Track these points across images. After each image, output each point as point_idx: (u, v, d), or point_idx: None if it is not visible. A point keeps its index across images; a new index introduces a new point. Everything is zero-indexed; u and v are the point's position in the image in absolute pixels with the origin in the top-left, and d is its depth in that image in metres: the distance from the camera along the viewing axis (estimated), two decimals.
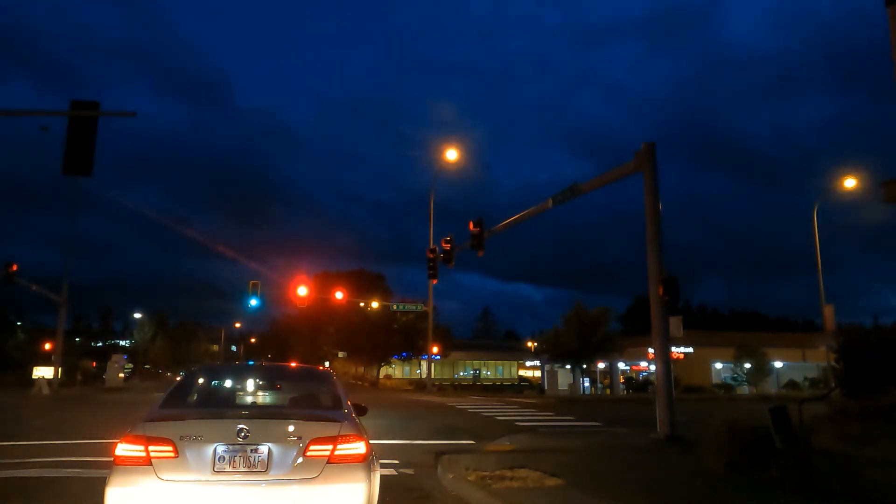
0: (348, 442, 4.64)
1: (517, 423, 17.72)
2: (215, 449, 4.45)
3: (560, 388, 50.06)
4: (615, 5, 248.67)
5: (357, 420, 5.19)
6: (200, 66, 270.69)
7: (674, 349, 17.56)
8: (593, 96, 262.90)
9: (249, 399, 6.47)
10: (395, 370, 75.87)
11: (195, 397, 5.74)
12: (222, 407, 5.64)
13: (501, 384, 71.48)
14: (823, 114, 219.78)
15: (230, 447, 4.47)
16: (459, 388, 54.59)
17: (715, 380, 49.49)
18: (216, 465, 4.42)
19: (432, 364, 48.73)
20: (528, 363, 78.81)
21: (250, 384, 6.70)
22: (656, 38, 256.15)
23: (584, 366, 47.31)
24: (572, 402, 32.13)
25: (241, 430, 4.50)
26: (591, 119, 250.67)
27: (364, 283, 62.23)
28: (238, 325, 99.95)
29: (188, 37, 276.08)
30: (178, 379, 6.34)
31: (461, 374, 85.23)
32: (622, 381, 53.43)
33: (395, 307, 49.64)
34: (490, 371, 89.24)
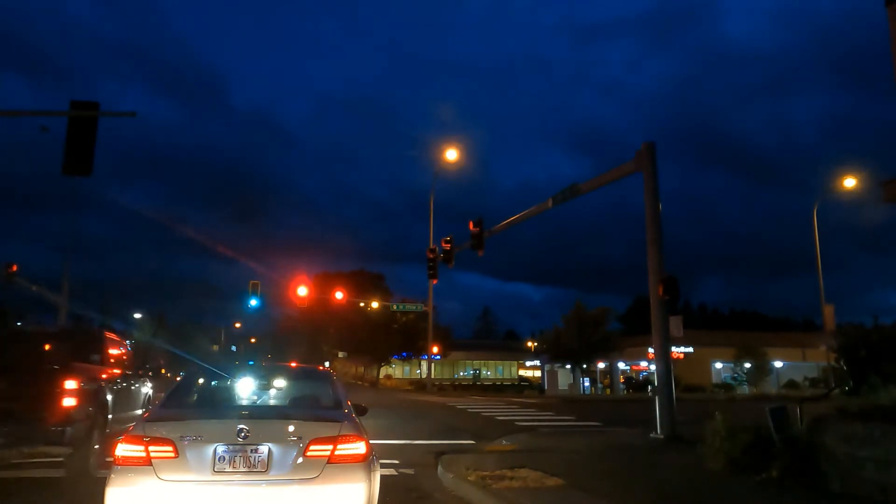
0: (348, 442, 4.64)
1: (517, 423, 17.74)
2: (215, 449, 4.46)
3: (560, 387, 50.14)
4: (613, 2, 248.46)
5: (357, 420, 5.20)
6: (195, 64, 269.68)
7: (674, 349, 17.54)
8: (591, 95, 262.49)
9: (249, 399, 6.47)
10: (395, 370, 75.88)
11: (195, 397, 5.75)
12: (222, 407, 5.64)
13: (501, 384, 71.50)
14: (823, 111, 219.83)
15: (230, 447, 4.47)
16: (459, 388, 54.63)
17: (715, 380, 49.50)
18: (216, 466, 4.43)
19: (432, 364, 48.75)
20: (528, 363, 78.83)
21: (250, 384, 6.69)
22: (654, 36, 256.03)
23: (584, 366, 47.35)
24: (572, 402, 32.14)
25: (241, 430, 4.51)
26: (589, 117, 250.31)
27: (364, 283, 62.22)
28: (238, 325, 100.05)
29: (182, 34, 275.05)
30: (178, 379, 6.34)
31: (461, 374, 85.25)
32: (622, 380, 53.45)
33: (395, 307, 49.65)
34: (490, 371, 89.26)
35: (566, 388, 49.12)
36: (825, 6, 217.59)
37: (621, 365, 54.46)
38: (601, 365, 53.53)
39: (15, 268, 34.24)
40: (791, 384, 46.14)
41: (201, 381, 6.27)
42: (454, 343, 68.09)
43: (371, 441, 5.01)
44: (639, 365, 51.72)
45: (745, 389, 44.29)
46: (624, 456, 10.70)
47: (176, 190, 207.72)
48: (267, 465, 4.47)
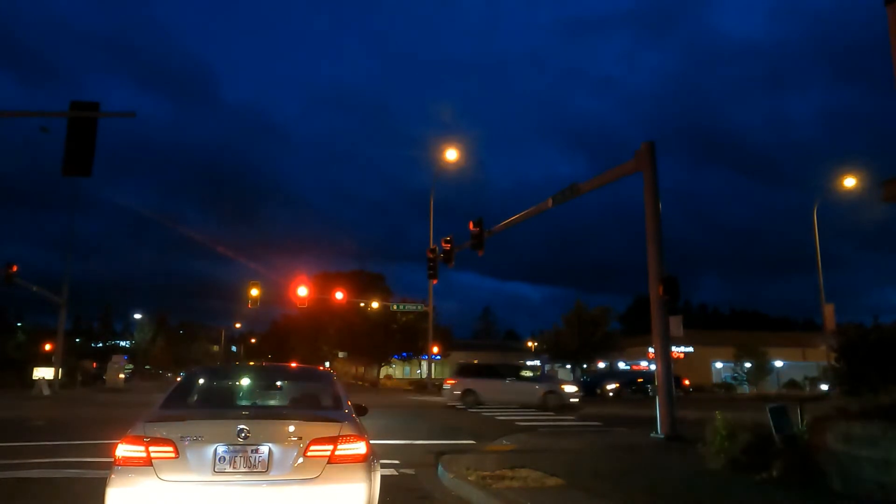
0: (349, 442, 4.64)
1: (517, 423, 17.73)
2: (216, 449, 4.45)
3: None
4: None
5: (357, 420, 5.19)
6: (190, 62, 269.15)
7: (674, 348, 17.57)
8: (588, 92, 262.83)
9: (250, 399, 6.46)
10: (396, 370, 75.88)
11: (195, 398, 5.73)
12: (223, 407, 5.63)
13: None
14: (822, 108, 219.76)
15: (231, 447, 4.47)
16: None
17: (715, 379, 49.57)
18: (217, 466, 4.42)
19: (432, 364, 48.72)
20: (529, 363, 78.74)
21: (250, 384, 6.69)
22: (651, 31, 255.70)
23: (585, 365, 47.34)
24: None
25: (242, 430, 4.50)
26: (586, 115, 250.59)
27: (364, 283, 62.26)
28: (238, 325, 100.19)
29: (175, 31, 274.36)
30: (179, 379, 6.34)
31: None
32: None
33: (395, 307, 49.62)
34: None
35: None
36: (822, 2, 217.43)
37: (621, 365, 54.44)
38: (601, 365, 53.52)
39: (15, 268, 34.24)
40: (791, 384, 46.15)
41: (202, 381, 6.26)
42: (454, 343, 68.14)
43: (371, 441, 5.00)
44: (639, 365, 51.69)
45: (745, 389, 44.33)
46: (624, 456, 10.69)
47: (177, 190, 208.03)
48: (267, 466, 4.46)
